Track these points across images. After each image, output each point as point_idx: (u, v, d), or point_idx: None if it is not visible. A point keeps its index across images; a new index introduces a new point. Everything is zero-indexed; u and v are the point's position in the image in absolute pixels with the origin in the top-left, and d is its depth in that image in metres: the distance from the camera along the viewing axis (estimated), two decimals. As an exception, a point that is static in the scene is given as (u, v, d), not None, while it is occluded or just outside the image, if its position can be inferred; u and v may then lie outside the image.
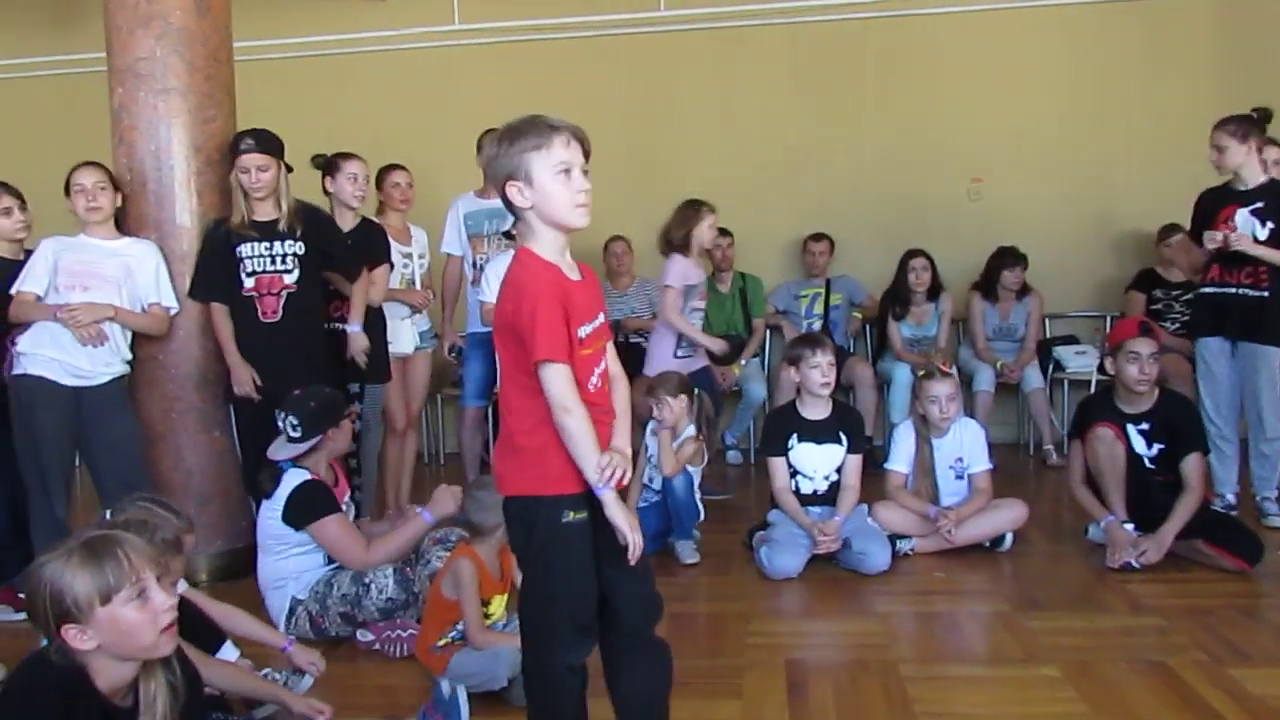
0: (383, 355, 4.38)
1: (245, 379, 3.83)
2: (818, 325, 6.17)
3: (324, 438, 3.38)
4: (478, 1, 6.64)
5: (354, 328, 4.14)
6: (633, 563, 2.05)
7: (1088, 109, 6.31)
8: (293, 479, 3.34)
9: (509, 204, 2.05)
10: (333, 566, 3.35)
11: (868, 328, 6.45)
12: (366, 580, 3.26)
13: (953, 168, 6.42)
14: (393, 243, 4.51)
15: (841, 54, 6.52)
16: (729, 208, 6.37)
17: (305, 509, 3.29)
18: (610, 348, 2.17)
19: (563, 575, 2.04)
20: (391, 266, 4.48)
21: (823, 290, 6.29)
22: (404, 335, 4.73)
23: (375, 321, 4.34)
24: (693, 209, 4.85)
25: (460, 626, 2.86)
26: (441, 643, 2.87)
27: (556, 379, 1.97)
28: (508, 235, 4.48)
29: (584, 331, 2.03)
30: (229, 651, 2.65)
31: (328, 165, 4.36)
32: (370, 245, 4.32)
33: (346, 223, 4.33)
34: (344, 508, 3.43)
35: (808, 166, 6.52)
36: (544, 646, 2.08)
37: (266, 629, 2.91)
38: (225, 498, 4.08)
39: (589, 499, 2.03)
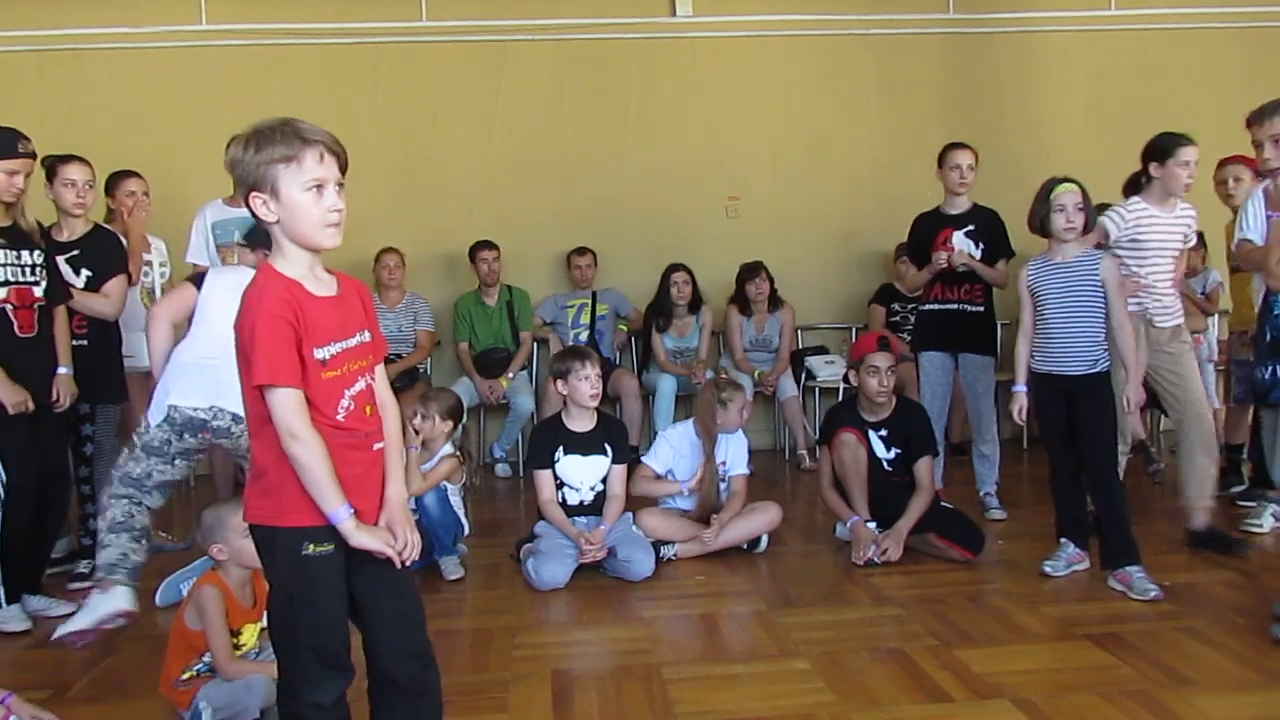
0: (117, 372, 4.08)
1: (18, 395, 3.41)
2: (584, 337, 6.26)
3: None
4: (227, 1, 6.33)
5: (62, 370, 3.66)
6: (406, 562, 1.98)
7: (833, 133, 6.75)
8: None
9: (253, 214, 1.91)
10: None
11: (633, 340, 6.60)
12: None
13: (711, 185, 6.70)
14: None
15: (605, 72, 6.67)
16: (494, 221, 6.42)
17: None
18: (380, 370, 2.04)
19: (306, 609, 1.92)
20: (131, 278, 4.19)
21: (589, 302, 6.38)
22: (146, 348, 4.44)
23: (110, 336, 4.04)
24: None
25: (208, 658, 2.70)
26: (186, 675, 2.71)
27: (281, 404, 1.83)
28: (259, 245, 4.28)
29: (325, 353, 1.88)
30: None
31: (48, 169, 3.99)
32: (102, 255, 4.01)
33: (76, 230, 4.01)
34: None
35: (572, 180, 6.62)
36: (289, 681, 1.97)
37: None
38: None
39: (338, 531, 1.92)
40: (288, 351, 1.84)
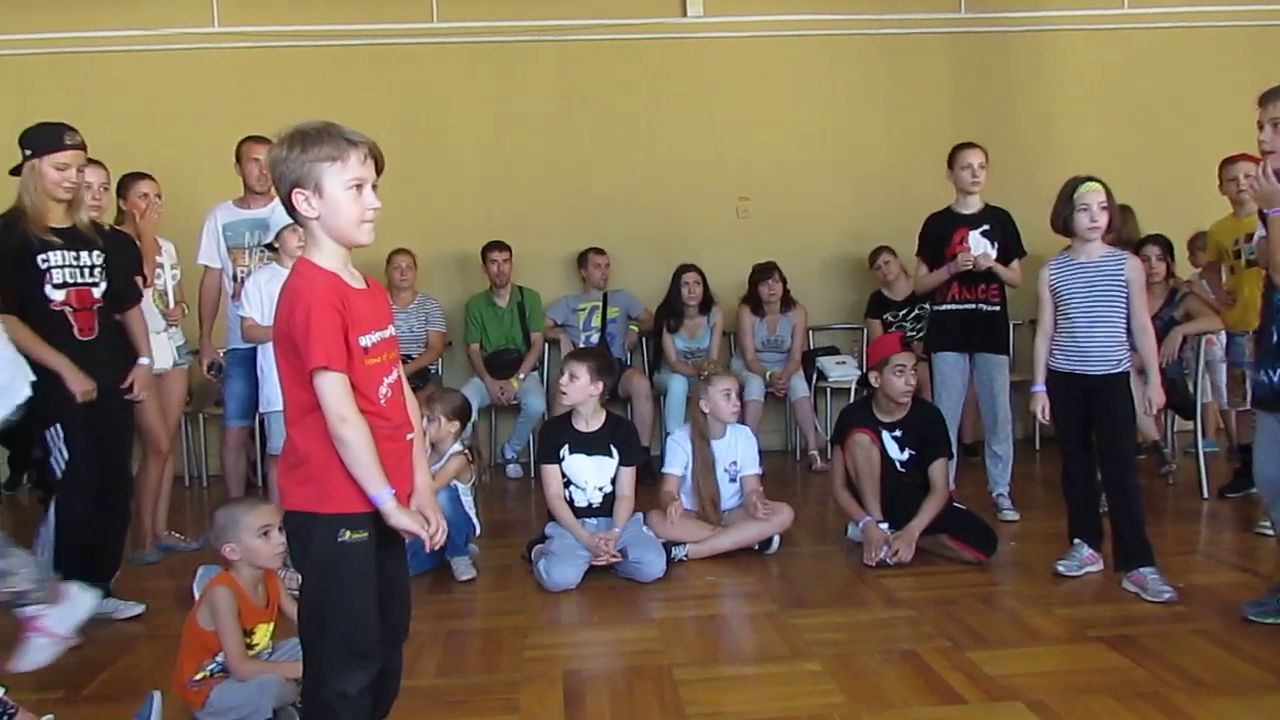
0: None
1: (87, 383, 3.37)
2: (595, 338, 6.26)
3: None
4: (240, 4, 6.35)
5: (143, 360, 3.71)
6: (436, 546, 2.08)
7: (844, 133, 6.74)
8: None
9: (291, 210, 2.00)
10: None
11: (644, 340, 6.59)
12: None
13: (722, 185, 6.69)
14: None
15: (615, 72, 6.67)
16: (505, 222, 6.43)
17: None
18: (399, 365, 2.14)
19: (337, 598, 1.98)
20: (145, 280, 4.21)
21: (600, 304, 6.38)
22: (161, 350, 4.48)
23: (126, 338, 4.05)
24: None
25: (221, 658, 2.71)
26: (199, 676, 2.71)
27: (332, 387, 1.91)
28: (269, 248, 4.29)
29: (368, 341, 1.98)
30: None
31: None
32: (118, 258, 4.01)
33: None
34: None
35: (583, 181, 6.62)
36: (316, 671, 2.02)
37: None
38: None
39: (373, 519, 1.98)
40: (338, 337, 1.92)
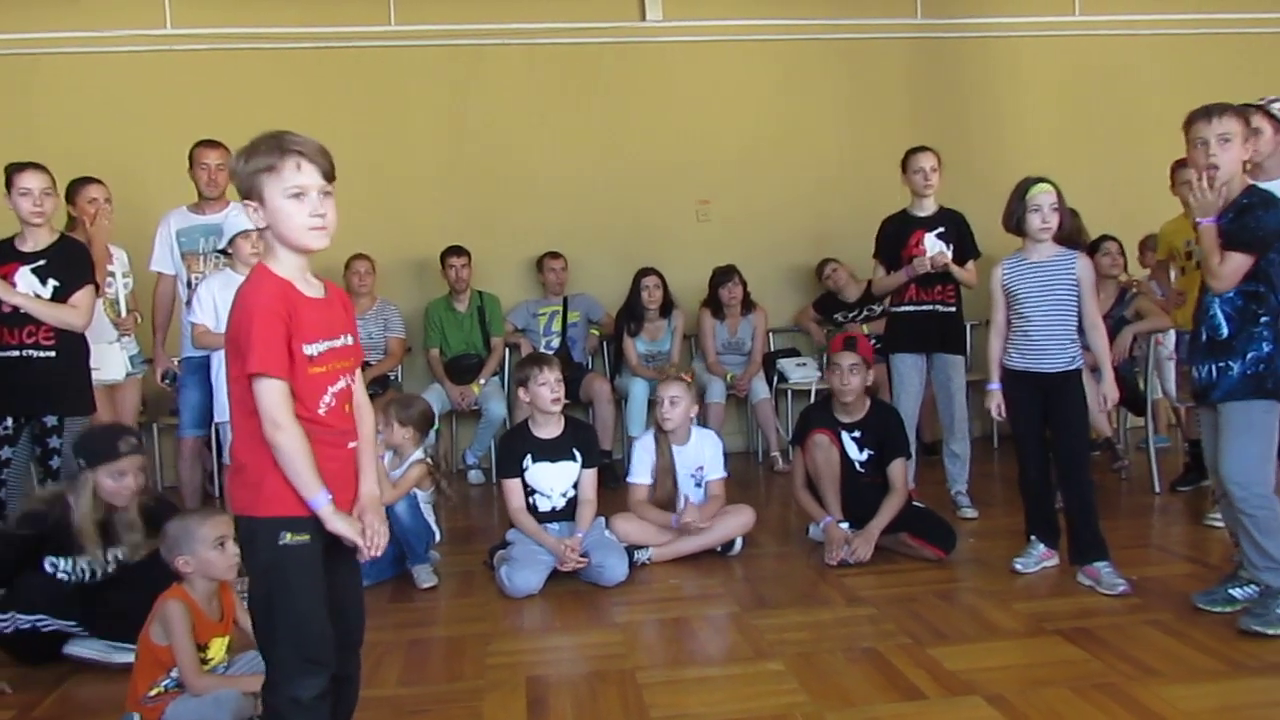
0: (84, 385, 3.99)
1: None
2: (556, 343, 6.25)
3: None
4: (193, 6, 6.27)
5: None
6: (372, 556, 2.06)
7: (802, 137, 6.78)
8: None
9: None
10: None
11: (605, 344, 6.59)
12: None
13: (682, 189, 6.70)
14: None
15: (575, 76, 6.66)
16: (465, 226, 6.39)
17: None
18: (358, 375, 2.15)
19: (283, 602, 1.98)
20: (97, 288, 4.14)
21: (561, 308, 6.37)
22: (113, 361, 4.42)
23: (78, 347, 3.97)
24: None
25: (175, 673, 2.67)
26: (154, 692, 2.67)
27: (268, 393, 1.93)
28: (223, 253, 4.24)
29: (314, 350, 1.99)
30: None
31: (6, 179, 3.88)
32: (69, 265, 3.94)
33: (41, 240, 3.94)
34: None
35: (543, 185, 6.60)
36: (269, 676, 2.02)
37: None
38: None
39: (316, 523, 1.98)
40: (280, 344, 1.94)
